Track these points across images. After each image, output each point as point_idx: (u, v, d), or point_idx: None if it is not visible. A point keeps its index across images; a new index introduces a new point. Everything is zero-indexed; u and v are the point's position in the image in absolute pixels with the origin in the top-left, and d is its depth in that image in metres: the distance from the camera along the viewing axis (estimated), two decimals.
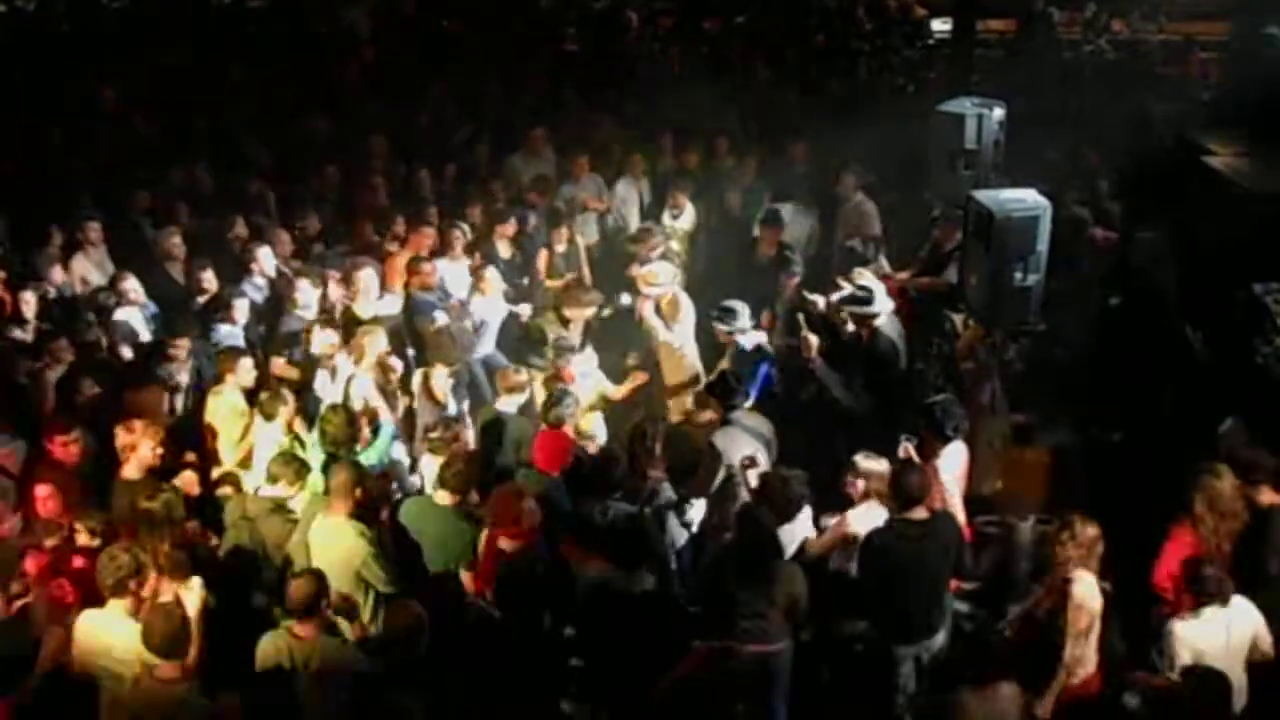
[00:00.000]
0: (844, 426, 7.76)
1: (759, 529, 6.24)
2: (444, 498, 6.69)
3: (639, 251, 9.76)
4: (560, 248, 10.47)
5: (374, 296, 9.11)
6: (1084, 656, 5.89)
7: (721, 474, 7.06)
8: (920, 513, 6.22)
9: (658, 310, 8.97)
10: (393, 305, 9.28)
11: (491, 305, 9.48)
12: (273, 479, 6.77)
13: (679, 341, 8.91)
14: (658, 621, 6.23)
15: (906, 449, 6.89)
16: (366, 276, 9.02)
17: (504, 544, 6.34)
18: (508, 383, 7.86)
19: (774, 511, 6.38)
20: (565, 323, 9.07)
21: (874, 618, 6.37)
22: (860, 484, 6.74)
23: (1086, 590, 5.85)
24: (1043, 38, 13.48)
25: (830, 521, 6.83)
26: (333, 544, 6.34)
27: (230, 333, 8.74)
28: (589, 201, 11.28)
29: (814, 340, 7.98)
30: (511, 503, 6.39)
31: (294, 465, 6.80)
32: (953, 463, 6.92)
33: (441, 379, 8.27)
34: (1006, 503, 7.45)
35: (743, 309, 8.39)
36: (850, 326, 8.21)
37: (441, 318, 8.95)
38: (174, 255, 9.59)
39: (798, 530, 6.68)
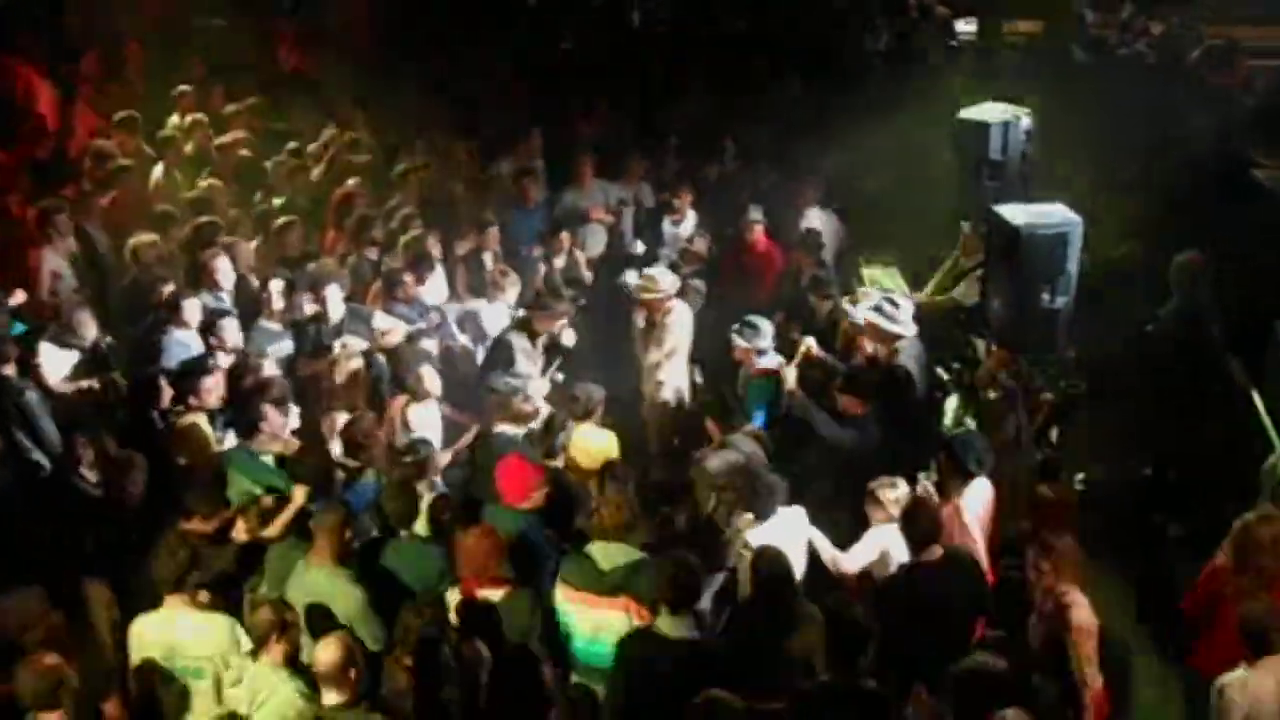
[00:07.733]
0: (846, 460, 7.30)
1: (775, 577, 5.81)
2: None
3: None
4: (559, 261, 9.95)
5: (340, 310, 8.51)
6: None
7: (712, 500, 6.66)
8: (935, 552, 5.95)
9: (650, 319, 8.70)
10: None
11: (497, 313, 9.03)
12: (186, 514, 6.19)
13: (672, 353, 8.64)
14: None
15: (925, 487, 6.65)
16: (332, 292, 8.45)
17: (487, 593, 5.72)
18: (513, 411, 7.41)
19: None
20: (534, 337, 8.48)
21: (892, 663, 5.82)
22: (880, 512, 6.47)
23: (1082, 611, 5.68)
24: (1074, 39, 12.88)
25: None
26: (324, 598, 5.70)
27: (181, 339, 7.97)
28: (593, 212, 10.72)
29: (792, 374, 7.63)
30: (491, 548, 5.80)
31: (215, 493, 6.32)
32: (975, 501, 6.54)
33: (419, 411, 7.83)
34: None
35: (766, 326, 8.03)
36: (870, 348, 7.88)
37: (428, 343, 8.49)
38: None
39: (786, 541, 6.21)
